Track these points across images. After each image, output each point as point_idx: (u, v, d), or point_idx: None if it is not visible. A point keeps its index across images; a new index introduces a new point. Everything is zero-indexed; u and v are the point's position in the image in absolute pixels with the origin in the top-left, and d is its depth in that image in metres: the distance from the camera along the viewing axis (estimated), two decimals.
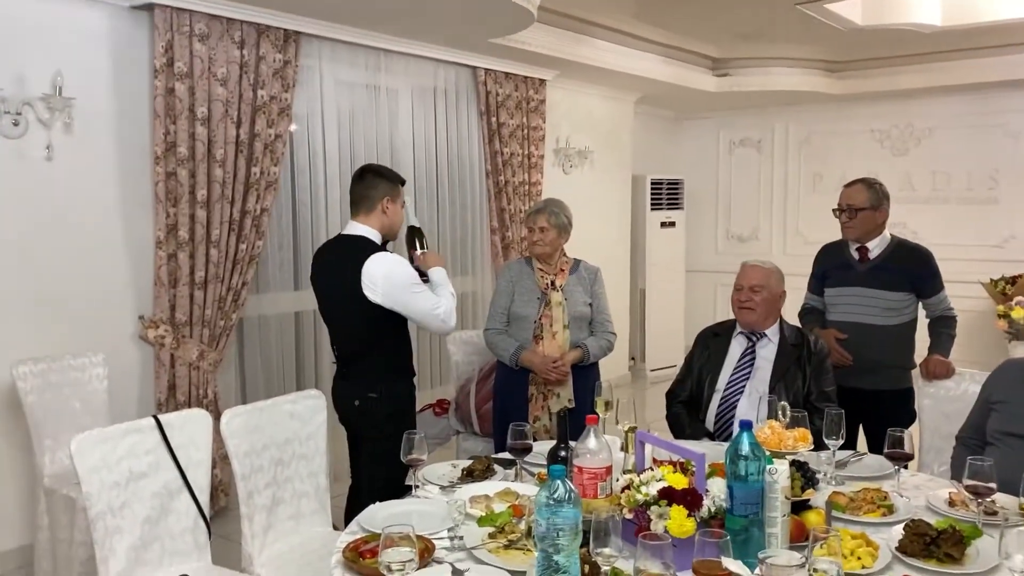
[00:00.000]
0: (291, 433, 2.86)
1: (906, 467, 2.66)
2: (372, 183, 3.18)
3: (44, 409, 3.50)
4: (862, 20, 5.65)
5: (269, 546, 2.74)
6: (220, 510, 4.34)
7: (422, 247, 3.34)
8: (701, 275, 8.57)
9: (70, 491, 3.29)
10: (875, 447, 3.21)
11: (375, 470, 3.22)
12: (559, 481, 1.66)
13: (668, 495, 1.96)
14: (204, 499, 2.66)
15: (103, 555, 2.39)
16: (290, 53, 4.52)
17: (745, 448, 1.91)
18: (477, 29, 4.96)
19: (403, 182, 3.28)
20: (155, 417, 2.57)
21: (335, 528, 2.91)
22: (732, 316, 3.35)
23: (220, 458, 3.93)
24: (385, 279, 3.04)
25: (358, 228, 3.18)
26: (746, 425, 1.96)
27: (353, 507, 3.14)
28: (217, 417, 2.77)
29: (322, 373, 4.93)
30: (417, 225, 3.39)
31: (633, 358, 8.07)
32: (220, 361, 4.36)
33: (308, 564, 2.66)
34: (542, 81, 6.22)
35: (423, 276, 3.23)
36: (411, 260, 3.28)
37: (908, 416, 3.50)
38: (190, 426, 2.64)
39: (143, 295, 4.16)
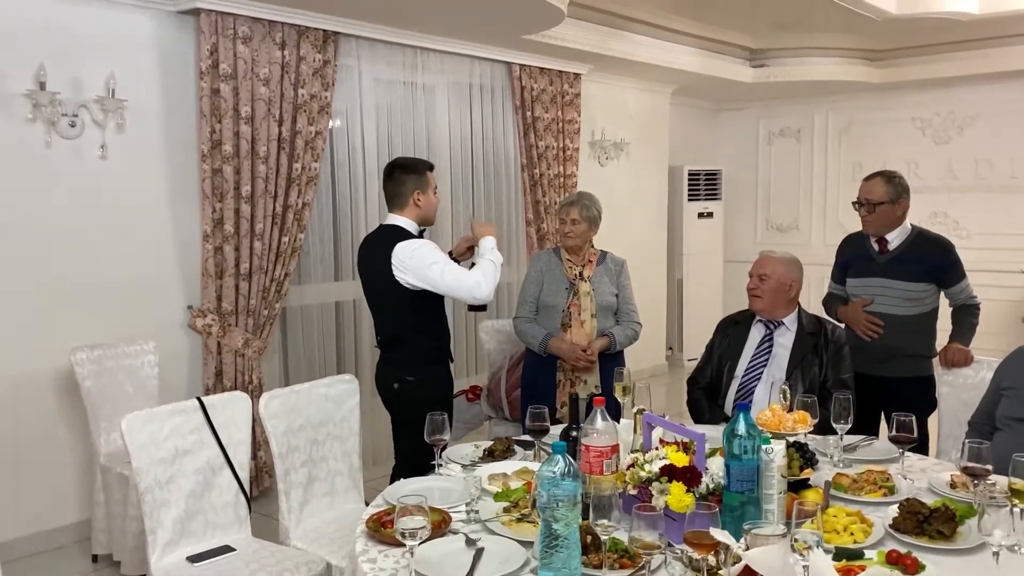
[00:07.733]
0: (326, 415, 3.04)
1: (915, 450, 2.74)
2: (400, 179, 3.32)
3: (100, 393, 3.74)
4: (896, 9, 5.62)
5: (305, 520, 2.93)
6: (264, 490, 4.56)
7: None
8: (740, 265, 8.48)
9: (123, 469, 3.51)
10: None
11: (413, 453, 3.31)
12: (559, 456, 1.80)
13: (669, 472, 2.09)
14: (244, 475, 2.85)
15: (151, 526, 2.59)
16: (329, 53, 4.70)
17: (741, 428, 2.02)
18: (510, 26, 5.08)
19: (431, 168, 3.41)
20: (199, 399, 2.76)
21: (368, 505, 3.06)
22: None
23: (264, 442, 4.14)
24: (411, 259, 3.20)
25: (395, 219, 3.34)
26: (743, 407, 2.06)
27: None
28: None
29: (362, 359, 5.13)
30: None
31: (671, 348, 8.15)
32: (264, 349, 4.57)
33: (341, 537, 2.83)
34: (577, 75, 6.32)
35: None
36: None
37: (929, 404, 3.55)
38: (231, 407, 2.83)
39: (191, 286, 4.39)
